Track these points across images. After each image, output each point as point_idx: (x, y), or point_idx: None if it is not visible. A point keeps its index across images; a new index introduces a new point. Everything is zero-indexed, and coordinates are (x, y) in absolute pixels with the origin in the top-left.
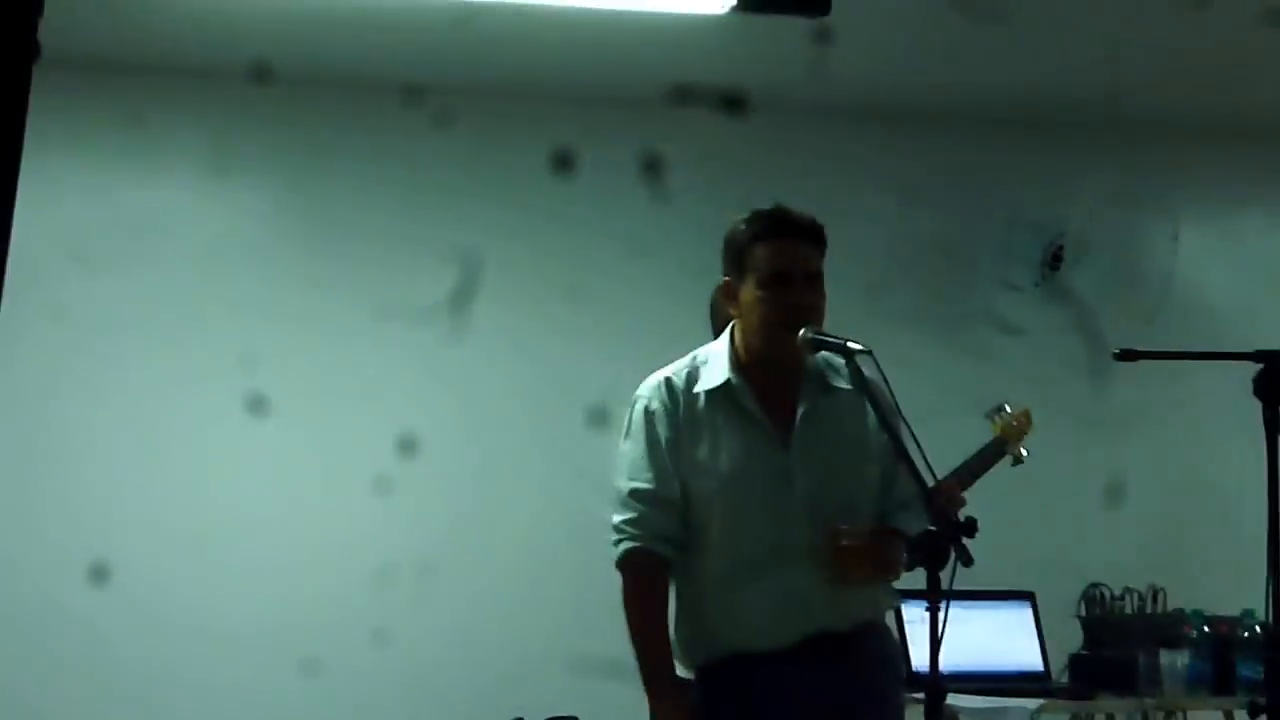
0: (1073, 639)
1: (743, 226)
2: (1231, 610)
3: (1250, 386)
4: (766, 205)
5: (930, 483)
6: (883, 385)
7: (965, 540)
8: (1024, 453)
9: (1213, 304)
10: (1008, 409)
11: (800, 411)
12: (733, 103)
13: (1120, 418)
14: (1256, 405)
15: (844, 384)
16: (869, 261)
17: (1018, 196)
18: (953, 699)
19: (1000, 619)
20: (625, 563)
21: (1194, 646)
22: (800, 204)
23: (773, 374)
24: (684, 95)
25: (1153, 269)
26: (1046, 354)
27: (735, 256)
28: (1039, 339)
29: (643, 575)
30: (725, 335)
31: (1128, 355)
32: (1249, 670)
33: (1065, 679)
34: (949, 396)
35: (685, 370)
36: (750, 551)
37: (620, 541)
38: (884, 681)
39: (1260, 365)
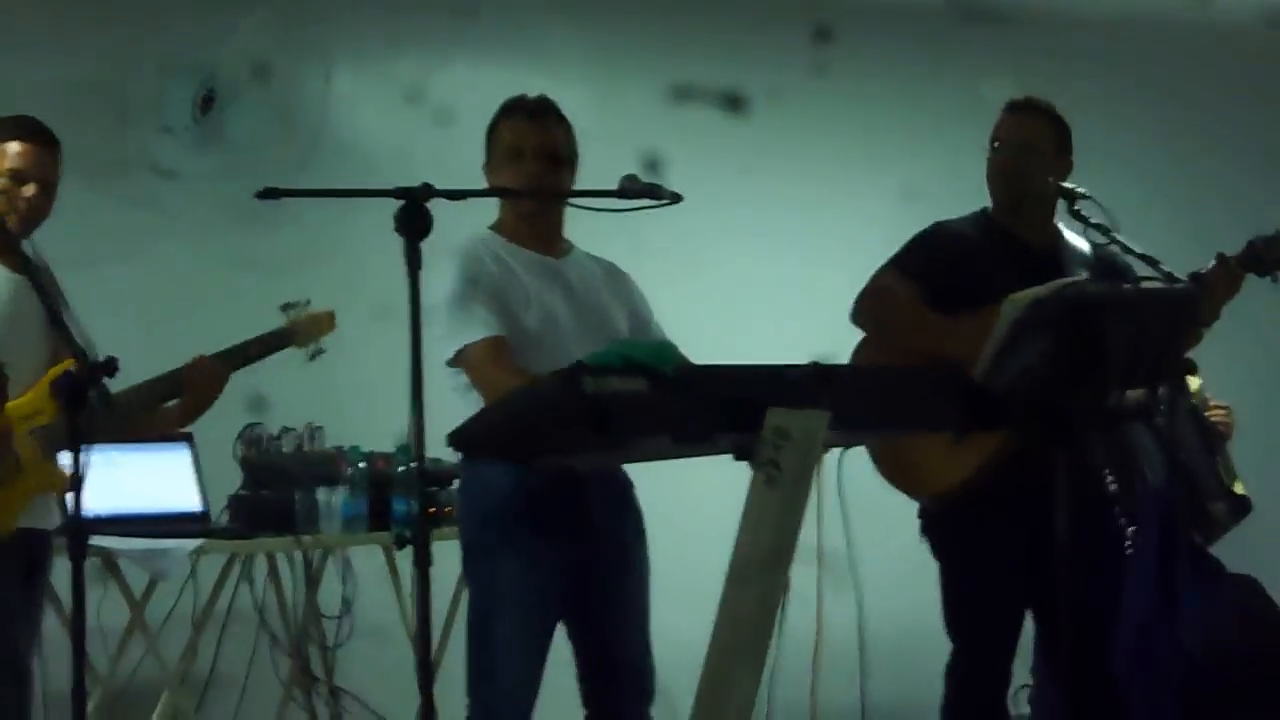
0: (237, 480)
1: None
2: (388, 446)
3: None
4: None
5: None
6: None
7: (107, 380)
8: (316, 348)
9: (366, 145)
10: (305, 306)
11: None
12: None
13: (285, 261)
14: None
15: None
16: None
17: (171, 39)
18: (105, 541)
19: (157, 462)
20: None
21: (351, 484)
22: None
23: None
24: None
25: (306, 111)
26: (202, 198)
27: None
28: (194, 184)
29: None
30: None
31: (270, 193)
32: (403, 505)
33: (225, 519)
34: (105, 243)
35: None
36: None
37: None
38: None
39: (402, 202)
